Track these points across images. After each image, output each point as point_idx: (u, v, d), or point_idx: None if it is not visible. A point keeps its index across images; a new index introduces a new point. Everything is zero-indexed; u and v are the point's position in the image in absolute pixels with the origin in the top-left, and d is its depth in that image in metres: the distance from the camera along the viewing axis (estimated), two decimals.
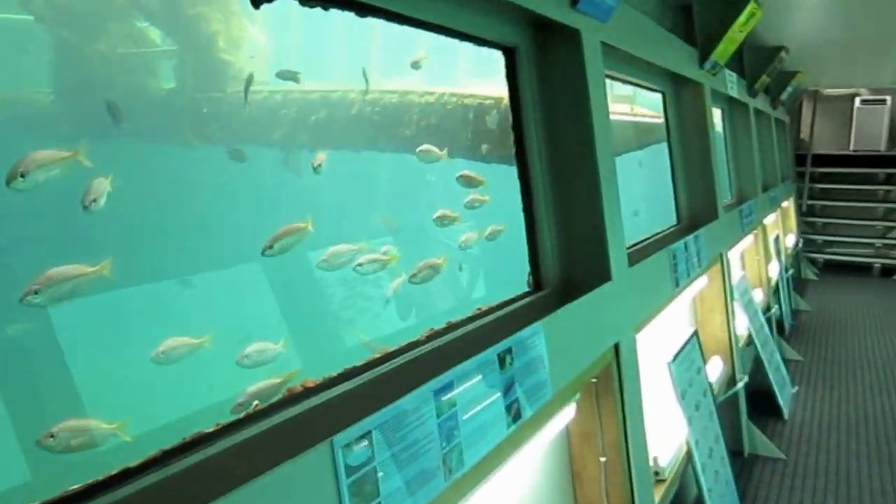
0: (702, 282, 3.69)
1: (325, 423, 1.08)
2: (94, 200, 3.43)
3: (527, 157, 2.07)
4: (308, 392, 1.23)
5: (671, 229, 3.56)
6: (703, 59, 3.74)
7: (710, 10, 3.72)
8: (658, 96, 3.77)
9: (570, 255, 2.14)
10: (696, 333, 3.31)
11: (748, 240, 5.38)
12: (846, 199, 10.31)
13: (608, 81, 3.14)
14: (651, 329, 2.63)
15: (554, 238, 2.12)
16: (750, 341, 4.57)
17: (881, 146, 10.40)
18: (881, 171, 10.13)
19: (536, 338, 1.59)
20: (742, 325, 4.59)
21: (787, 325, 6.65)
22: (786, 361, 5.69)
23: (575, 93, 2.07)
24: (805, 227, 10.28)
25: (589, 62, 2.07)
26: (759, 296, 5.61)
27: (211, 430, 1.08)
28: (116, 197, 3.65)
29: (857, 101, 10.57)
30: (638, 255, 2.54)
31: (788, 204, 9.08)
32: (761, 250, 5.72)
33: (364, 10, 1.47)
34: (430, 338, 1.60)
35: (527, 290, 2.10)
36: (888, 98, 10.37)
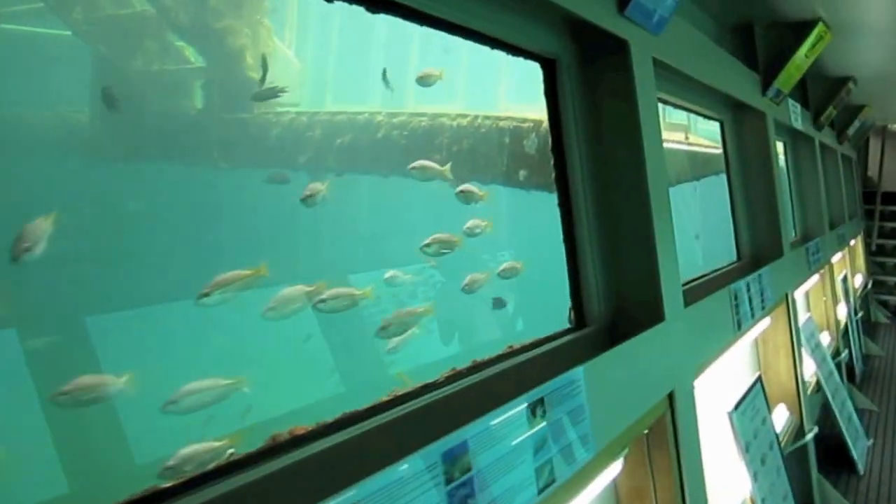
0: (765, 323, 3.40)
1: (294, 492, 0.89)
2: (28, 249, 2.56)
3: (569, 183, 1.88)
4: (291, 443, 1.04)
5: (731, 266, 3.29)
6: (765, 85, 3.50)
7: (774, 32, 3.50)
8: (714, 126, 3.54)
9: (618, 290, 1.92)
10: (759, 379, 3.02)
11: (814, 279, 5.03)
12: None
13: (661, 106, 2.94)
14: (710, 374, 2.38)
15: (599, 272, 1.90)
16: (818, 388, 4.22)
17: None
18: None
19: (577, 385, 1.37)
20: (809, 371, 4.25)
21: (857, 371, 6.19)
22: (858, 411, 5.26)
23: (624, 113, 1.87)
24: (875, 268, 9.73)
25: (639, 79, 1.87)
26: (826, 339, 5.22)
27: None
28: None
29: None
30: (695, 293, 2.30)
31: (856, 243, 8.60)
32: (829, 291, 5.35)
33: (376, 5, 1.32)
34: (450, 379, 1.41)
35: (568, 326, 1.88)
36: None
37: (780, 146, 5.08)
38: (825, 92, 5.16)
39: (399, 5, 1.34)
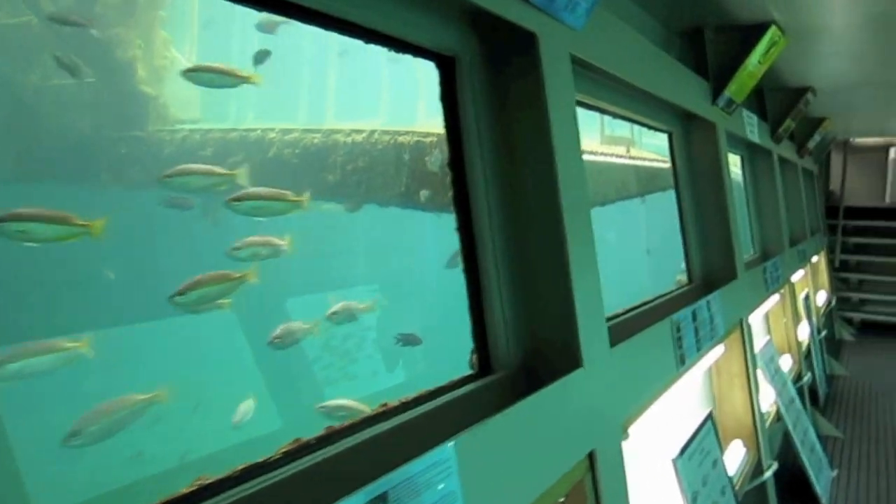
0: (718, 351, 3.14)
1: None
2: None
3: (470, 203, 1.59)
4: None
5: (679, 290, 3.02)
6: (716, 94, 3.26)
7: (725, 37, 3.26)
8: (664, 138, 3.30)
9: (531, 329, 1.63)
10: (710, 416, 2.75)
11: (774, 299, 4.81)
12: (884, 255, 9.66)
13: (604, 119, 2.68)
14: (652, 416, 2.10)
15: (508, 307, 1.61)
16: (779, 417, 3.98)
17: None
18: None
19: (444, 467, 1.07)
20: (769, 400, 4.01)
21: (821, 393, 5.99)
22: (822, 439, 5.04)
23: (534, 120, 1.59)
24: (839, 284, 9.63)
25: (552, 79, 1.59)
26: (787, 363, 5.00)
27: None
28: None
29: (893, 151, 10.04)
30: (627, 327, 2.02)
31: (819, 259, 8.47)
32: (789, 311, 5.13)
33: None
34: (289, 456, 1.10)
35: (469, 373, 1.59)
36: None
37: (736, 160, 4.88)
38: (783, 103, 4.97)
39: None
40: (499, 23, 1.53)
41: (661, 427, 2.48)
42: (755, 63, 3.24)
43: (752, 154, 5.05)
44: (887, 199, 10.08)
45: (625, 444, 1.81)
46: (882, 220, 9.76)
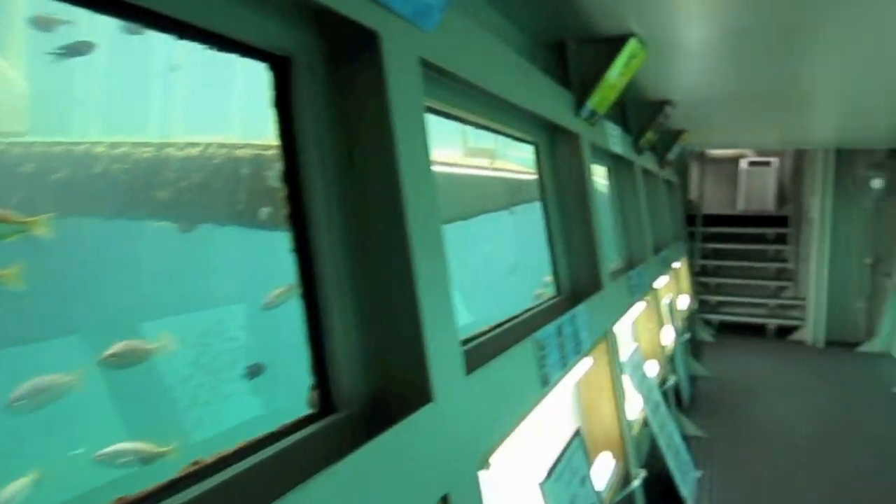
0: (585, 364, 3.09)
1: None
2: None
3: (308, 221, 1.40)
4: None
5: (546, 303, 2.95)
6: (579, 105, 3.23)
7: (587, 49, 3.23)
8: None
9: (380, 361, 1.46)
10: (578, 433, 2.68)
11: (640, 306, 4.89)
12: (738, 259, 10.20)
13: (468, 130, 2.55)
14: (513, 443, 1.97)
15: (354, 336, 1.44)
16: (647, 423, 4.00)
17: (769, 206, 10.43)
18: (771, 231, 10.09)
19: None
20: (636, 408, 4.03)
21: (685, 395, 6.17)
22: (687, 439, 5.16)
23: (376, 127, 1.42)
24: (699, 288, 10.08)
25: (396, 83, 1.43)
26: (653, 368, 5.10)
27: None
28: None
29: (743, 162, 10.63)
30: (486, 350, 1.89)
31: (681, 265, 8.81)
32: (654, 317, 5.24)
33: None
34: None
35: (309, 413, 1.40)
36: (773, 160, 10.46)
37: (603, 171, 4.93)
38: (644, 116, 5.08)
39: None
40: (337, 20, 1.36)
41: (527, 449, 2.37)
42: (616, 75, 3.23)
43: (617, 165, 5.12)
44: (739, 207, 10.65)
45: (487, 475, 1.68)
46: (735, 227, 10.30)
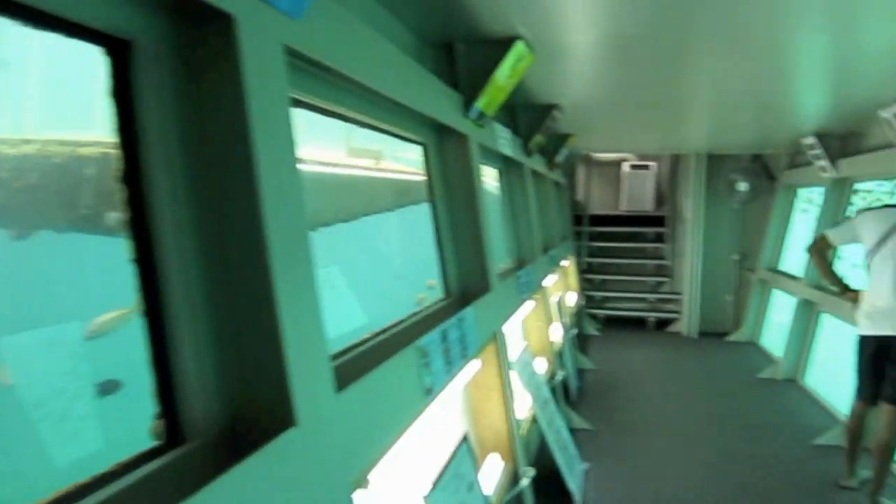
0: (473, 367, 2.98)
1: None
2: None
3: (151, 227, 1.19)
4: None
5: (434, 307, 2.81)
6: (467, 106, 3.11)
7: (474, 51, 3.11)
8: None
9: (239, 383, 1.27)
10: (465, 438, 2.55)
11: (529, 305, 4.85)
12: (621, 257, 10.46)
13: (350, 128, 2.37)
14: (393, 457, 1.82)
15: (206, 355, 1.24)
16: (536, 420, 3.95)
17: (648, 207, 10.76)
18: (650, 230, 10.40)
19: None
20: (525, 406, 3.97)
21: (573, 389, 6.21)
22: (575, 433, 5.17)
23: (230, 120, 1.23)
24: (586, 285, 10.27)
25: (254, 70, 1.24)
26: (542, 365, 5.08)
27: None
28: None
29: (625, 166, 10.92)
30: (363, 363, 1.72)
31: (569, 263, 8.93)
32: (543, 315, 5.22)
33: None
34: None
35: (154, 445, 1.19)
36: (651, 164, 10.80)
37: (494, 173, 4.86)
38: (533, 119, 5.04)
39: None
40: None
41: (412, 461, 2.22)
42: (504, 77, 3.13)
43: (508, 167, 5.07)
44: (622, 208, 10.94)
45: (363, 494, 1.52)
46: (618, 227, 10.55)
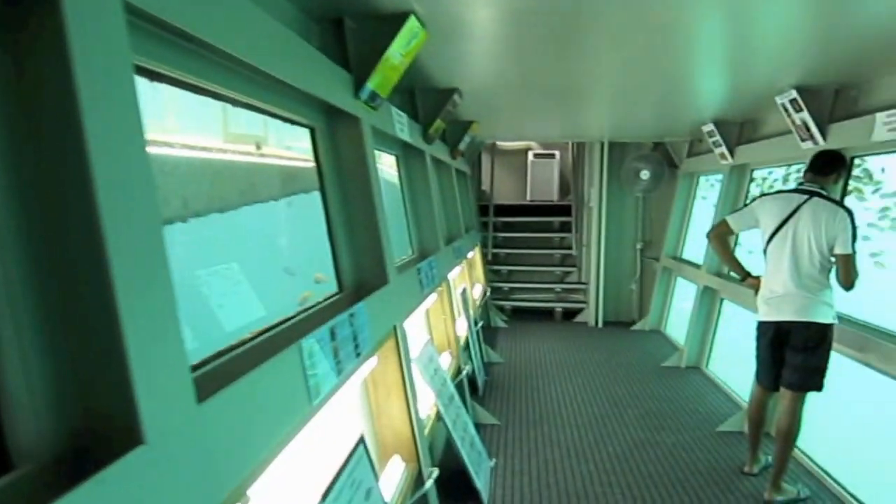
0: (370, 365, 2.88)
1: None
2: None
3: None
4: None
5: (324, 304, 2.68)
6: (358, 86, 2.99)
7: (365, 27, 2.99)
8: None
9: (79, 399, 1.11)
10: (361, 440, 2.45)
11: (432, 298, 4.78)
12: (527, 247, 10.59)
13: (227, 109, 2.22)
14: (277, 469, 1.69)
15: (36, 369, 1.08)
16: (440, 417, 3.88)
17: (553, 196, 10.93)
18: (555, 220, 10.57)
19: None
20: (429, 404, 3.90)
21: (480, 383, 6.22)
22: (481, 429, 5.16)
23: (55, 92, 1.07)
24: (492, 276, 10.33)
25: (82, 30, 1.08)
26: (447, 360, 5.03)
27: None
28: None
29: (531, 154, 11.05)
30: (234, 369, 1.58)
31: (475, 254, 8.95)
32: (447, 308, 5.17)
33: None
34: None
35: None
36: (557, 152, 10.97)
37: (392, 161, 4.76)
38: (433, 103, 4.96)
39: None
40: None
41: (300, 471, 2.09)
42: (398, 56, 3.03)
43: (407, 154, 4.98)
44: (528, 197, 11.07)
45: None
46: (524, 217, 10.68)
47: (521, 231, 10.64)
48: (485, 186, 10.91)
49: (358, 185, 3.07)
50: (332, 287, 2.91)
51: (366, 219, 3.07)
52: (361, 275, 3.09)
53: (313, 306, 2.53)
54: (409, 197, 4.98)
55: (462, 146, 7.08)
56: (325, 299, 2.72)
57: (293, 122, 2.78)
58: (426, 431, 3.60)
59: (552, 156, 11.05)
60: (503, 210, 10.75)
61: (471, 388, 5.87)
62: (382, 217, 3.14)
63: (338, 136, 3.04)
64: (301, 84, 2.38)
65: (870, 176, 4.54)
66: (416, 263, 4.25)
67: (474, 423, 5.26)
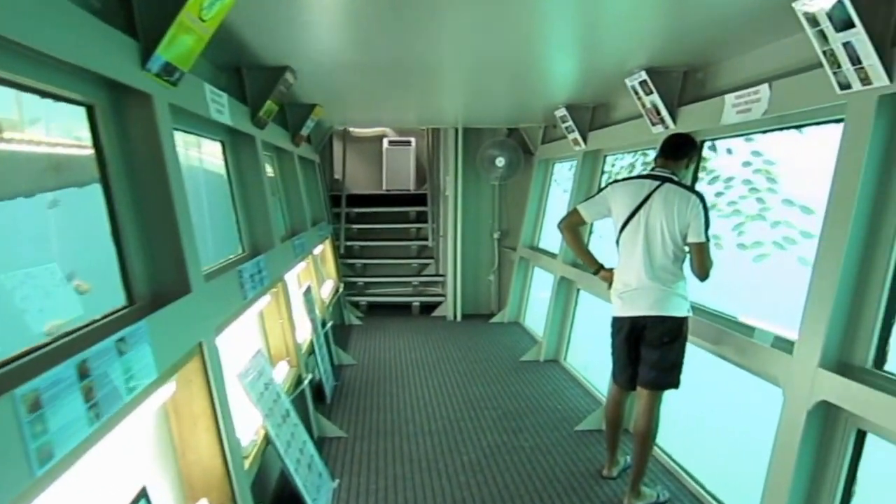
0: (167, 392, 2.42)
1: None
2: None
3: None
4: None
5: (103, 321, 2.19)
6: (146, 56, 2.50)
7: None
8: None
9: None
10: (144, 493, 2.00)
11: (263, 302, 4.32)
12: (383, 239, 10.25)
13: None
14: None
15: None
16: (270, 440, 3.46)
17: (409, 185, 10.64)
18: (412, 210, 10.29)
19: None
20: (253, 429, 3.47)
21: (328, 390, 5.81)
22: (326, 443, 4.77)
23: None
24: (346, 270, 9.91)
25: None
26: (284, 370, 4.58)
27: None
28: None
29: (385, 142, 10.70)
30: None
31: (325, 248, 8.51)
32: (285, 312, 4.72)
33: None
34: None
35: None
36: (412, 139, 10.68)
37: (216, 148, 4.24)
38: (263, 83, 4.49)
39: None
40: None
41: None
42: (195, 19, 2.56)
43: (235, 140, 4.47)
44: (384, 187, 10.73)
45: None
46: (380, 207, 10.33)
47: (376, 222, 10.27)
48: (338, 175, 10.44)
49: (152, 175, 2.59)
50: (117, 300, 2.42)
51: (163, 217, 2.59)
52: (160, 282, 2.61)
53: (84, 327, 2.05)
54: (238, 188, 4.49)
55: (305, 131, 6.62)
56: (104, 317, 2.24)
57: (64, 100, 2.26)
58: (249, 460, 3.18)
59: (408, 143, 10.74)
60: (357, 200, 10.33)
61: (317, 398, 5.47)
62: (185, 213, 2.68)
63: (125, 116, 2.54)
64: (61, 52, 1.90)
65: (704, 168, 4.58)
66: (234, 266, 3.77)
67: (319, 437, 4.87)
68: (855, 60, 2.79)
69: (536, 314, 8.51)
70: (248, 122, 4.39)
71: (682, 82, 4.60)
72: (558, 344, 7.11)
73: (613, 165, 6.55)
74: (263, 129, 4.74)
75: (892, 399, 2.52)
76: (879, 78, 2.71)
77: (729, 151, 4.48)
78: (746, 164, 4.23)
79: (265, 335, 4.64)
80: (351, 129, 10.45)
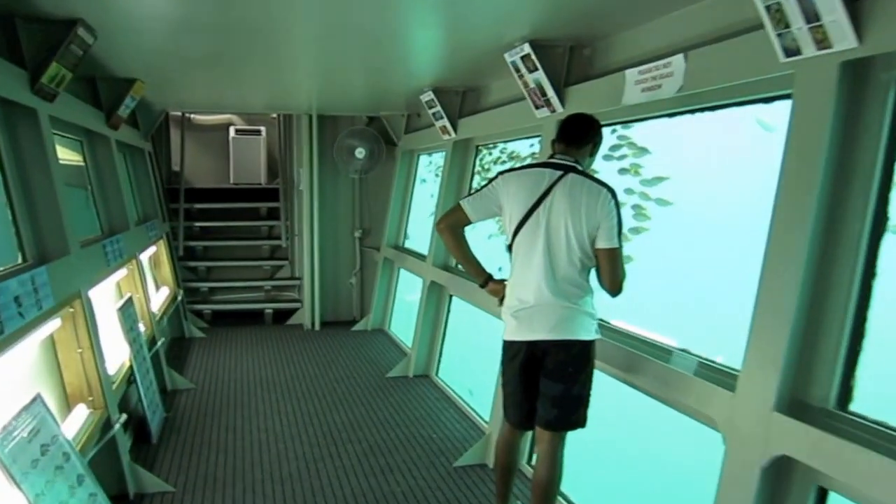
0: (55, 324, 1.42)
1: None
2: None
3: None
4: None
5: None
6: None
7: None
8: None
9: None
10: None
11: (53, 326, 3.26)
12: (231, 238, 9.13)
13: None
14: None
15: None
16: None
17: (261, 179, 9.58)
18: (262, 206, 9.24)
19: None
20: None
21: (154, 427, 4.74)
22: (145, 500, 3.77)
23: None
24: (187, 275, 8.71)
25: None
26: (80, 419, 3.52)
27: None
28: None
29: (232, 130, 9.60)
30: None
31: (156, 251, 7.33)
32: (85, 338, 3.64)
33: None
34: None
35: None
36: (262, 128, 9.63)
37: None
38: (44, 40, 3.41)
39: None
40: None
41: None
42: None
43: (11, 115, 3.39)
44: (231, 180, 9.62)
45: None
46: (226, 202, 9.20)
47: (222, 219, 9.13)
48: (176, 167, 9.20)
49: None
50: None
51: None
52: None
53: None
54: (16, 177, 3.40)
55: (125, 112, 5.49)
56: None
57: None
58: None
59: (258, 132, 9.68)
60: (200, 195, 9.14)
61: (138, 438, 4.43)
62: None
63: None
64: None
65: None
66: (14, 275, 2.72)
67: (136, 494, 3.84)
68: (812, 17, 2.20)
69: (403, 320, 7.76)
70: (24, 91, 3.32)
71: (567, 58, 3.97)
72: (429, 357, 6.37)
73: (490, 153, 5.91)
74: (53, 102, 3.66)
75: (862, 450, 1.95)
76: (844, 39, 2.13)
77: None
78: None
79: (59, 370, 3.55)
80: (191, 115, 9.25)
